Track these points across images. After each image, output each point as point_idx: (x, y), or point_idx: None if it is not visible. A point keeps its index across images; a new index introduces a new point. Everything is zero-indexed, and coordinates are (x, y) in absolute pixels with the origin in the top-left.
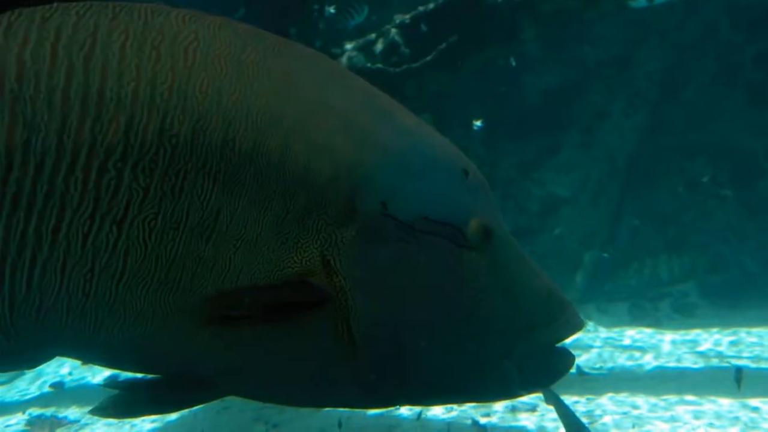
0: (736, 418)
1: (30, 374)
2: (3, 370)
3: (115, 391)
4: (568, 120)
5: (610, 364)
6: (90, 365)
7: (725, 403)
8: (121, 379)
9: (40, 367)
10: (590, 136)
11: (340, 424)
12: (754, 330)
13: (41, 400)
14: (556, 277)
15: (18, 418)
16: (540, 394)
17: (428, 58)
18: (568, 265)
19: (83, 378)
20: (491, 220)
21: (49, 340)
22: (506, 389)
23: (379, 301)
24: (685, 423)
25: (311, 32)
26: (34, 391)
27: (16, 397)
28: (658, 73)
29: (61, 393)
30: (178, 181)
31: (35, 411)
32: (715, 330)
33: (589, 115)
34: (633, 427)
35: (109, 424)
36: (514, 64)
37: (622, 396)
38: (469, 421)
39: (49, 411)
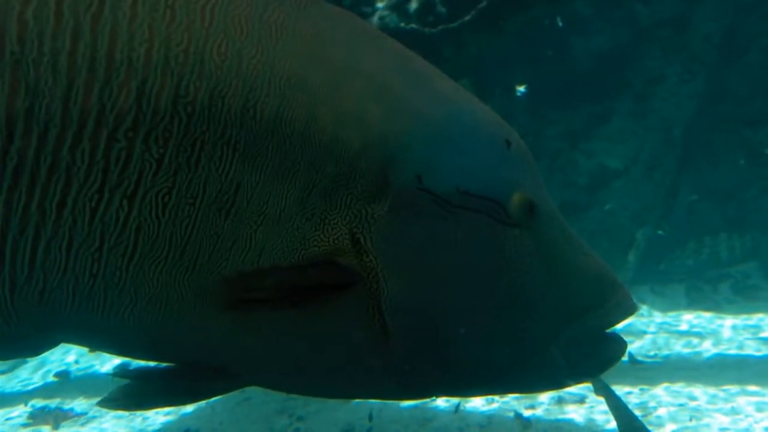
0: None
1: (33, 362)
2: (3, 358)
3: (126, 381)
4: (620, 86)
5: (665, 352)
6: (98, 352)
7: None
8: (132, 367)
9: (44, 354)
10: (644, 103)
11: (370, 417)
12: None
13: (45, 390)
14: (606, 256)
15: (20, 411)
16: (589, 384)
17: (467, 17)
18: (620, 243)
19: (91, 366)
20: (536, 194)
21: (54, 324)
22: (552, 379)
23: (413, 282)
24: (747, 416)
25: None
26: (37, 380)
27: (18, 388)
28: (718, 35)
29: (66, 383)
30: (195, 152)
31: (38, 402)
32: None
33: (643, 81)
34: (690, 420)
35: (119, 417)
36: (561, 24)
37: (678, 386)
38: (511, 414)
39: (53, 402)
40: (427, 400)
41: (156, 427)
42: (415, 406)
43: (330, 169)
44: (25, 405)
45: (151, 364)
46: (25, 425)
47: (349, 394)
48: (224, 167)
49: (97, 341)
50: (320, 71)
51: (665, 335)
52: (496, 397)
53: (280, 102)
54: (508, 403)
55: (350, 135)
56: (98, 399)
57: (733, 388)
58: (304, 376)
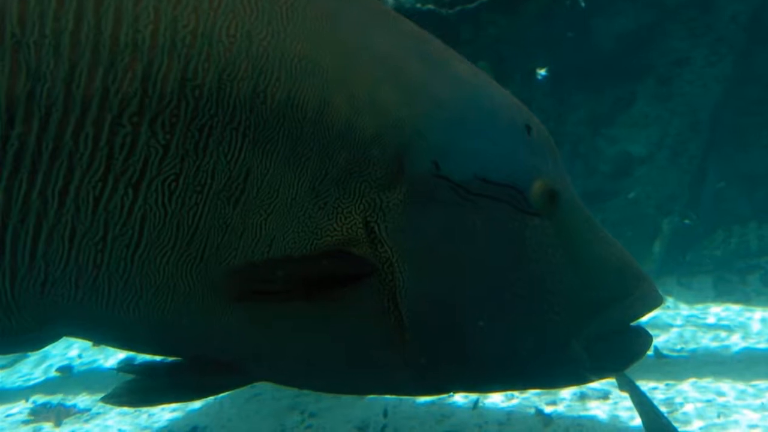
0: None
1: (34, 357)
2: (4, 352)
3: (131, 376)
4: (644, 68)
5: (692, 346)
6: (102, 346)
7: None
8: (137, 362)
9: (46, 348)
10: (669, 86)
11: (385, 414)
12: None
13: (47, 386)
14: (630, 246)
15: (21, 407)
16: (613, 380)
17: None
18: (645, 233)
19: (94, 361)
20: (557, 181)
21: (56, 317)
22: (574, 374)
23: (430, 273)
24: None
25: None
26: (38, 375)
27: (19, 383)
28: (746, 16)
29: (69, 378)
30: (202, 138)
31: (40, 398)
32: None
33: (668, 63)
34: (718, 416)
35: (124, 414)
36: (583, 4)
37: (705, 381)
38: (532, 410)
39: (55, 398)
40: (445, 395)
41: (162, 423)
42: (432, 402)
43: (343, 155)
44: (27, 401)
45: (157, 358)
46: (26, 422)
47: (363, 390)
48: (233, 153)
49: (101, 335)
50: (333, 54)
51: (692, 328)
52: (516, 393)
53: (291, 85)
54: (529, 399)
55: (364, 120)
56: (102, 395)
57: (763, 384)
58: (317, 372)
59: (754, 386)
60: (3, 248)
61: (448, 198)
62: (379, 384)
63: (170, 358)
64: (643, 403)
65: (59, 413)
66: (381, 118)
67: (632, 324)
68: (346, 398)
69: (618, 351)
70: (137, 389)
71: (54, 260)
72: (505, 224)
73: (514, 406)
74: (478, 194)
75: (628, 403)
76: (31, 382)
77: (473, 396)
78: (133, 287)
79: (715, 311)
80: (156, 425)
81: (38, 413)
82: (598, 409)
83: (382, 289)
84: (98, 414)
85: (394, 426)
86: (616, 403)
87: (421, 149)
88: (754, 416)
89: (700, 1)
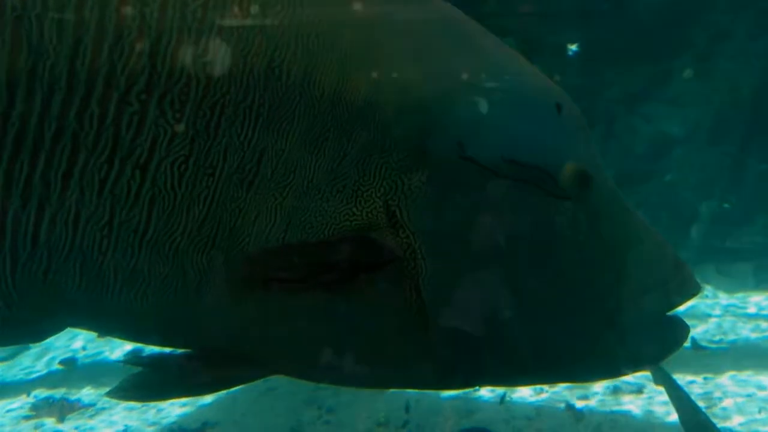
0: None
1: (36, 349)
2: (4, 344)
3: (138, 369)
4: (682, 43)
5: (731, 337)
6: (108, 338)
7: None
8: (144, 354)
9: (48, 340)
10: (709, 62)
11: (407, 409)
12: None
13: (49, 379)
14: (666, 232)
15: (22, 401)
16: (647, 373)
17: None
18: (682, 217)
19: (99, 353)
20: (589, 164)
21: (59, 307)
22: (607, 367)
23: (454, 260)
24: None
25: None
26: (40, 368)
27: (20, 376)
28: None
29: (72, 371)
30: (214, 118)
31: (42, 392)
32: None
33: (708, 38)
34: (759, 411)
35: (131, 409)
36: None
37: (746, 375)
38: (562, 405)
39: (58, 392)
40: (470, 389)
41: (171, 419)
42: (456, 397)
43: (363, 136)
44: (28, 395)
45: (166, 350)
46: (27, 417)
47: (384, 384)
48: (246, 134)
49: (106, 325)
50: (352, 28)
51: (732, 319)
52: (546, 387)
53: (308, 62)
54: (559, 393)
55: (385, 98)
56: (108, 389)
57: None
58: (335, 365)
59: None
60: (3, 234)
61: (473, 181)
62: (401, 377)
63: (180, 350)
64: (679, 397)
65: (62, 408)
66: (402, 96)
67: (669, 314)
68: (366, 392)
69: (654, 342)
70: (145, 383)
71: (57, 246)
72: (534, 209)
73: (543, 400)
74: (505, 177)
75: (664, 397)
76: (33, 376)
77: (500, 390)
78: (140, 275)
79: (756, 300)
80: (165, 421)
81: (40, 408)
82: (631, 404)
83: (404, 277)
84: (103, 409)
85: (417, 422)
86: (650, 397)
87: (445, 129)
88: None
89: None
